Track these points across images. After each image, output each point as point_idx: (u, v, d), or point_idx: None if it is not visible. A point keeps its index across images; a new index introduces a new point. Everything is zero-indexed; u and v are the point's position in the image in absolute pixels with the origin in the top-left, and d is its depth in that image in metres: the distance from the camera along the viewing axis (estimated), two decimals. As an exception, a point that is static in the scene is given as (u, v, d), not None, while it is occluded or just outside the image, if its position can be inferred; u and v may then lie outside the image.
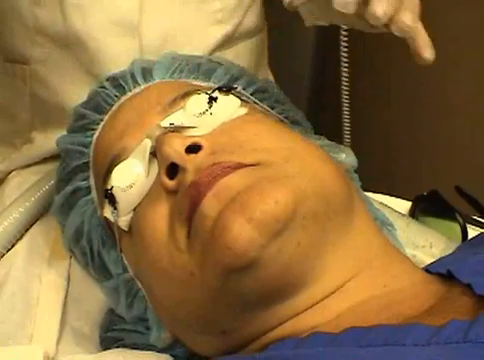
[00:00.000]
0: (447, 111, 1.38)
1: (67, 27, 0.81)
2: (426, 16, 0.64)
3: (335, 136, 0.79)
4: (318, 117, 0.80)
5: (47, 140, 0.87)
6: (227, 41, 0.92)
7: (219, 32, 0.90)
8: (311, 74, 1.56)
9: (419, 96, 1.31)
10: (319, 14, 0.69)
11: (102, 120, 0.71)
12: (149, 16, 0.84)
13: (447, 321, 0.50)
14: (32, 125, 0.91)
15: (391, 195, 0.98)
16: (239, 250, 0.53)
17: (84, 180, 0.70)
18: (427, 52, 0.62)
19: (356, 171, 0.73)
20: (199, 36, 0.88)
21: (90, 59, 0.83)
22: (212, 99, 0.64)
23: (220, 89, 0.66)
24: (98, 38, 0.82)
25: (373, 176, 0.87)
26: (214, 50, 0.89)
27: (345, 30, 0.79)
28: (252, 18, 0.95)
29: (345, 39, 0.77)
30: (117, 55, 0.80)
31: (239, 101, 0.66)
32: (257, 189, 0.55)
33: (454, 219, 0.93)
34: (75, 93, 0.80)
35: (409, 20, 0.61)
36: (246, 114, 0.65)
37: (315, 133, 0.76)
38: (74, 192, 0.71)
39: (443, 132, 1.39)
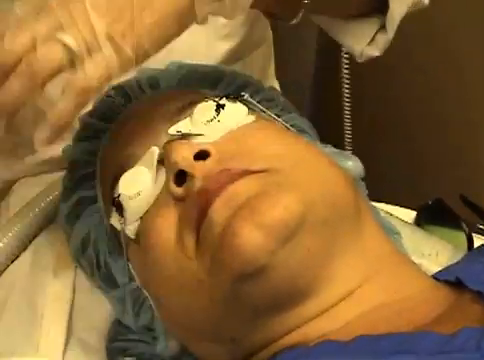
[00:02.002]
0: (451, 119, 1.39)
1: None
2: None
3: (337, 146, 0.80)
4: (320, 127, 0.80)
5: (51, 150, 0.87)
6: (233, 56, 0.92)
7: (225, 47, 0.91)
8: (313, 83, 1.57)
9: (422, 104, 1.31)
10: None
11: (108, 129, 0.71)
12: None
13: (458, 329, 0.50)
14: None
15: (394, 204, 0.98)
16: (249, 256, 0.53)
17: (90, 189, 0.70)
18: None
19: (363, 179, 0.73)
20: (205, 51, 0.89)
21: None
22: (220, 106, 0.64)
23: (227, 97, 0.66)
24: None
25: (376, 185, 0.87)
26: (222, 62, 0.89)
27: None
28: (258, 31, 0.96)
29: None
30: None
31: (246, 109, 0.66)
32: (266, 195, 0.55)
33: (459, 228, 0.92)
34: None
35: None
36: (254, 121, 0.64)
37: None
38: (80, 201, 0.71)
39: (447, 141, 1.40)
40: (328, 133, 0.78)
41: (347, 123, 0.88)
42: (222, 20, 0.88)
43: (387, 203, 0.97)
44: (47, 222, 0.84)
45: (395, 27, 0.79)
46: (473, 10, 1.31)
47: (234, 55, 0.92)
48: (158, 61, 0.82)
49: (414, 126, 1.35)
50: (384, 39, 0.79)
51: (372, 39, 0.80)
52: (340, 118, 0.88)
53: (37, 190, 0.86)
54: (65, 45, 0.54)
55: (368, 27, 0.81)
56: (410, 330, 0.53)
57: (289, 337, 0.57)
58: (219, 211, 0.55)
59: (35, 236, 0.83)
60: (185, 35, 0.86)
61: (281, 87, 1.05)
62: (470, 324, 0.51)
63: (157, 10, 0.57)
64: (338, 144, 0.82)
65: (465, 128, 1.39)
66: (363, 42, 0.82)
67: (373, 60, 0.82)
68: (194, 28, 0.87)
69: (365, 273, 0.59)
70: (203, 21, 0.61)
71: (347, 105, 0.86)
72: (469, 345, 0.48)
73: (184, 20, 0.60)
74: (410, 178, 1.40)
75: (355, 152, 0.85)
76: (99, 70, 0.54)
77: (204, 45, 0.89)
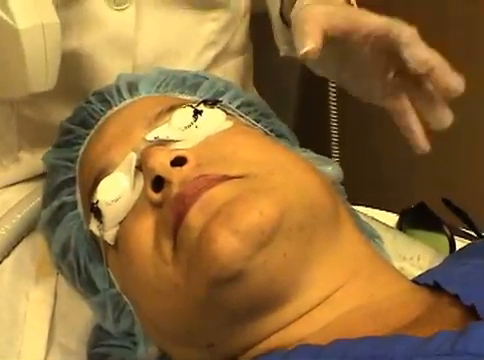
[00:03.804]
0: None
1: (63, 46, 0.81)
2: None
3: (323, 149, 0.80)
4: (306, 130, 0.80)
5: (35, 159, 0.87)
6: (216, 61, 0.93)
7: (211, 53, 0.91)
8: (298, 87, 1.57)
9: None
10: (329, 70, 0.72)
11: (88, 135, 0.71)
12: (144, 37, 0.84)
13: (435, 332, 0.50)
14: (19, 145, 0.90)
15: (379, 208, 0.98)
16: (225, 261, 0.53)
17: (70, 195, 0.70)
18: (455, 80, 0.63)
19: (343, 184, 0.74)
20: (192, 57, 0.89)
21: (83, 77, 0.83)
22: (197, 112, 0.65)
23: (205, 102, 0.66)
24: (93, 57, 0.83)
25: (361, 189, 0.88)
26: (205, 70, 0.90)
27: None
28: (240, 38, 0.96)
29: None
30: (111, 74, 0.80)
31: (224, 114, 0.66)
32: (242, 200, 0.55)
33: (442, 231, 0.93)
34: (66, 112, 0.80)
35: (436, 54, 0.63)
36: (231, 127, 0.65)
37: (303, 146, 0.76)
38: (60, 207, 0.71)
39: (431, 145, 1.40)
40: (315, 135, 0.78)
41: (334, 125, 0.88)
42: (211, 27, 0.89)
43: (371, 207, 0.97)
44: (29, 229, 0.84)
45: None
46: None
47: (217, 60, 0.92)
48: (145, 68, 0.83)
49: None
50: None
51: None
52: (327, 120, 0.88)
53: (19, 197, 0.86)
54: None
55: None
56: (387, 333, 0.53)
57: (267, 342, 0.57)
58: (195, 216, 0.55)
59: (17, 243, 0.84)
60: (174, 41, 0.87)
61: (266, 91, 1.05)
62: (447, 327, 0.51)
63: None
64: (325, 147, 0.83)
65: (453, 134, 1.39)
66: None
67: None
68: (184, 34, 0.88)
69: (343, 277, 0.59)
70: None
71: (333, 106, 0.86)
72: (444, 348, 0.48)
73: None
74: (395, 181, 1.41)
75: (341, 154, 0.85)
76: None
77: (191, 51, 0.90)
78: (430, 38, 0.64)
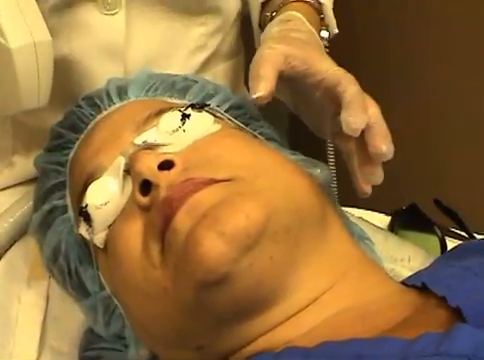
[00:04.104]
0: (425, 126, 1.40)
1: (54, 51, 0.82)
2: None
3: (318, 150, 0.80)
4: (300, 131, 0.80)
5: (28, 163, 0.88)
6: (206, 64, 0.93)
7: (201, 56, 0.92)
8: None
9: (398, 110, 1.32)
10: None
11: (78, 139, 0.71)
12: (135, 42, 0.85)
13: (421, 334, 0.50)
14: (14, 149, 0.91)
15: (371, 210, 0.99)
16: (211, 265, 0.53)
17: (61, 199, 0.71)
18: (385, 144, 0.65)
19: (337, 185, 0.74)
20: (182, 60, 0.90)
21: (75, 83, 0.84)
22: (185, 116, 0.65)
23: (193, 106, 0.66)
24: (84, 62, 0.83)
25: (353, 190, 0.88)
26: (195, 73, 0.90)
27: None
28: (231, 41, 0.97)
29: None
30: (101, 79, 0.80)
31: (212, 118, 0.67)
32: (228, 204, 0.55)
33: (433, 232, 0.93)
34: (60, 117, 0.80)
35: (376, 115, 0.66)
36: (219, 130, 0.65)
37: (297, 148, 0.76)
38: (51, 211, 0.71)
39: (422, 146, 1.41)
40: (309, 136, 0.79)
41: None
42: (199, 30, 0.90)
43: (364, 208, 0.98)
44: (21, 232, 0.84)
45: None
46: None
47: (207, 63, 0.93)
48: (136, 72, 0.83)
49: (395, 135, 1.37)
50: None
51: None
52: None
53: (11, 201, 0.86)
54: None
55: None
56: (375, 335, 0.54)
57: (255, 344, 0.58)
58: (182, 220, 0.56)
59: (9, 247, 0.84)
60: (164, 45, 0.87)
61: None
62: (433, 329, 0.51)
63: None
64: (319, 148, 0.83)
65: (443, 135, 1.40)
66: None
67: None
68: (173, 38, 0.88)
69: (331, 279, 0.59)
70: None
71: None
72: (429, 349, 0.49)
73: None
74: (388, 182, 1.41)
75: (336, 156, 0.85)
76: None
77: (181, 55, 0.90)
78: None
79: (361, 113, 0.64)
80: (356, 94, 0.66)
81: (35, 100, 0.71)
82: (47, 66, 0.70)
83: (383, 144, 0.65)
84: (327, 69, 0.68)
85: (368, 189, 0.69)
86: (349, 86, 0.66)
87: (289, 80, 0.69)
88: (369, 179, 0.68)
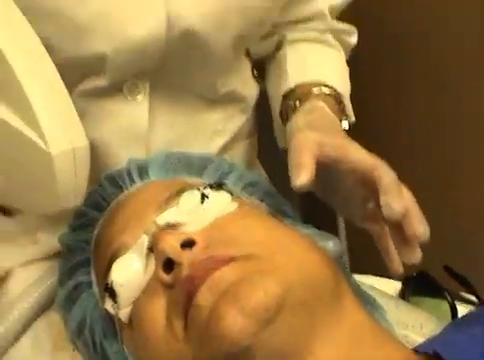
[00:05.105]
0: (435, 189, 1.42)
1: None
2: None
3: (330, 218, 0.83)
4: (313, 202, 0.83)
5: (53, 240, 0.89)
6: (226, 146, 0.96)
7: (220, 141, 0.95)
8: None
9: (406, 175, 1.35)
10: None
11: (101, 217, 0.75)
12: (157, 127, 0.88)
13: None
14: (39, 226, 0.93)
15: (383, 276, 1.01)
16: (234, 338, 0.56)
17: (86, 275, 0.74)
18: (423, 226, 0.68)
19: (350, 252, 0.76)
20: (201, 146, 0.93)
21: (98, 167, 0.85)
22: (204, 196, 0.69)
23: (212, 186, 0.70)
24: (108, 147, 0.86)
25: (365, 257, 0.90)
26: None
27: None
28: (249, 124, 1.01)
29: None
30: (125, 162, 0.83)
31: (230, 196, 0.70)
32: (247, 281, 0.58)
33: (443, 298, 0.95)
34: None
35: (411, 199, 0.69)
36: (237, 208, 0.69)
37: (311, 219, 0.79)
38: (76, 286, 0.74)
39: (432, 211, 1.42)
40: (321, 204, 0.82)
41: None
42: (220, 115, 0.93)
43: (376, 275, 1.00)
44: (45, 306, 0.86)
45: None
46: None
47: (226, 147, 0.96)
48: None
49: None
50: None
51: None
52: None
53: (36, 276, 0.88)
54: None
55: None
56: None
57: None
58: (205, 296, 0.59)
59: (34, 320, 0.86)
60: (184, 131, 0.90)
61: (272, 167, 1.07)
62: (445, 396, 0.54)
63: None
64: (331, 216, 0.85)
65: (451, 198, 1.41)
66: None
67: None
68: (193, 124, 0.91)
69: (346, 349, 0.61)
70: None
71: None
72: None
73: None
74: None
75: (347, 223, 0.88)
76: None
77: (200, 140, 0.93)
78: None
79: (400, 198, 0.67)
80: (394, 180, 0.69)
81: (72, 200, 0.73)
82: (84, 168, 0.72)
83: (421, 226, 0.68)
84: (359, 155, 0.71)
85: (400, 269, 0.73)
86: (386, 172, 0.69)
87: (320, 168, 0.71)
88: (409, 258, 0.70)
